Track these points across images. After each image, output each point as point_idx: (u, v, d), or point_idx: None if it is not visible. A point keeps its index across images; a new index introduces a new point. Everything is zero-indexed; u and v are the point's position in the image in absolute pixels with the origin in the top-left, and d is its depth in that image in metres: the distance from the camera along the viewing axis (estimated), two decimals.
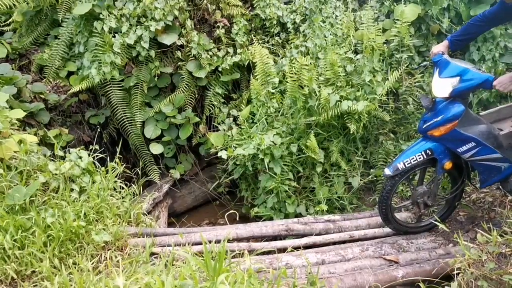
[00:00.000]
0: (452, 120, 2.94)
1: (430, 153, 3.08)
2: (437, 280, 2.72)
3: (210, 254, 1.85)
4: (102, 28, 4.34)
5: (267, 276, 2.16)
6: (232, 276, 1.64)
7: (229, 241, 3.16)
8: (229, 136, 4.58)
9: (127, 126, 4.66)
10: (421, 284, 2.46)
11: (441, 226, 2.78)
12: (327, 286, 2.61)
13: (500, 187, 3.29)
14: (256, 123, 4.53)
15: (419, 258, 3.06)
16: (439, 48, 3.12)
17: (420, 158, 3.07)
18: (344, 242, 3.50)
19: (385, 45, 4.39)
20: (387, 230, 3.53)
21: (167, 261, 2.26)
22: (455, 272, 2.40)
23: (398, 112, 4.44)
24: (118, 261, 2.56)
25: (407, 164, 3.06)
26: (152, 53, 4.51)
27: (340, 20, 4.80)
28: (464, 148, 2.99)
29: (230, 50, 4.86)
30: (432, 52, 3.15)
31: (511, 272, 2.12)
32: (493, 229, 2.42)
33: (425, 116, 3.10)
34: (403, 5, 4.43)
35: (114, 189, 3.41)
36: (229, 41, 4.93)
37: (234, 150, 4.21)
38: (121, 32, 4.39)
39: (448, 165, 3.10)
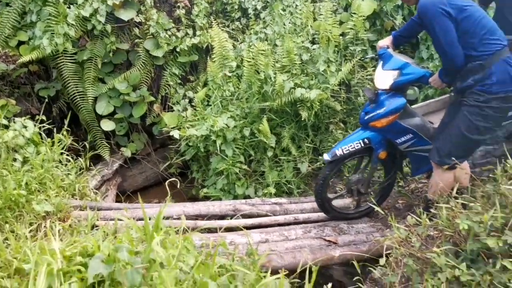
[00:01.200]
0: (394, 112, 3.04)
1: (367, 142, 3.17)
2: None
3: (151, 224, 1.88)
4: None
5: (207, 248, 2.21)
6: (168, 240, 1.68)
7: (175, 219, 3.19)
8: (183, 117, 4.58)
9: (78, 101, 4.57)
10: (354, 262, 2.58)
11: (377, 209, 2.91)
12: (267, 262, 2.69)
13: (428, 176, 3.48)
14: (211, 105, 4.56)
15: (356, 240, 3.20)
16: (384, 42, 3.23)
17: (358, 146, 3.16)
18: (289, 224, 3.60)
19: (341, 37, 4.50)
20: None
21: (105, 231, 2.26)
22: (384, 252, 2.52)
23: (349, 102, 4.57)
24: (58, 231, 2.54)
25: (345, 151, 3.15)
26: (108, 27, 4.43)
27: (300, 9, 4.87)
28: (403, 139, 3.12)
29: (190, 31, 4.85)
30: (378, 45, 3.26)
31: (435, 250, 2.26)
32: (423, 213, 2.56)
33: (367, 107, 3.19)
34: (361, 0, 4.56)
35: (60, 161, 3.35)
36: (189, 23, 4.91)
37: (187, 131, 4.22)
38: (76, 3, 4.28)
39: (383, 154, 3.21)
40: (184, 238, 1.72)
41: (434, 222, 2.53)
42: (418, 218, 2.59)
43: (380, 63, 3.12)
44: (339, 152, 3.15)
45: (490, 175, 2.60)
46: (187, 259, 1.62)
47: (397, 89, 3.05)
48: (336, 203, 3.62)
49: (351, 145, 3.16)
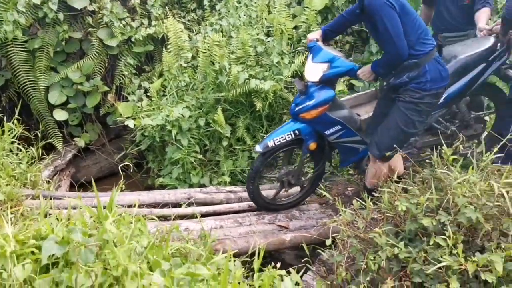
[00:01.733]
0: (323, 104, 3.10)
1: (298, 133, 3.21)
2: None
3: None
4: None
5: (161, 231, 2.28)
6: (122, 222, 1.74)
7: (130, 207, 3.22)
8: (138, 107, 4.57)
9: (30, 90, 4.48)
10: (304, 245, 2.72)
11: (326, 195, 3.06)
12: (220, 246, 2.78)
13: (355, 167, 3.62)
14: (166, 95, 4.58)
15: (307, 225, 3.35)
16: (314, 35, 3.29)
17: (288, 137, 3.19)
18: (244, 211, 3.71)
19: (294, 30, 4.63)
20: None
21: (58, 218, 2.27)
22: (331, 234, 2.68)
23: None
24: (10, 219, 2.52)
25: (277, 142, 3.17)
26: (61, 16, 4.36)
27: (255, 2, 4.96)
28: (331, 130, 3.20)
29: (145, 21, 4.84)
30: (308, 38, 3.32)
31: (377, 231, 2.43)
32: (368, 197, 2.74)
33: (297, 99, 3.23)
34: None
35: (11, 150, 3.29)
36: (144, 13, 4.90)
37: (142, 120, 4.23)
38: None
39: (312, 145, 3.25)
40: (137, 219, 1.78)
41: (378, 206, 2.71)
42: (363, 203, 2.76)
43: (310, 55, 3.17)
44: (270, 143, 3.17)
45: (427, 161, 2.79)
46: (140, 239, 1.68)
47: (326, 81, 3.11)
48: (266, 193, 3.68)
49: (282, 137, 3.18)
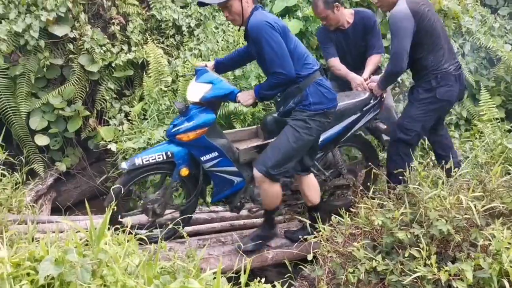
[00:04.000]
0: (202, 126, 3.01)
1: (170, 155, 3.04)
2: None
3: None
4: None
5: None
6: (115, 241, 1.82)
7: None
8: (119, 130, 4.64)
9: (11, 116, 4.51)
10: (286, 262, 2.82)
11: (303, 220, 3.17)
12: (205, 265, 2.87)
13: (228, 202, 3.43)
14: (147, 119, 4.67)
15: (288, 242, 3.45)
16: (204, 63, 3.32)
17: (159, 158, 3.02)
18: (226, 230, 3.79)
19: None
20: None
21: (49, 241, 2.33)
22: (312, 250, 2.79)
23: None
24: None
25: (145, 160, 2.98)
26: (42, 43, 4.43)
27: (232, 28, 5.14)
28: (208, 157, 3.08)
29: (125, 47, 4.94)
30: (197, 64, 3.41)
31: (355, 245, 2.56)
32: (345, 213, 2.87)
33: (175, 120, 3.14)
34: (288, 20, 4.91)
35: None
36: (124, 39, 5.00)
37: (124, 144, 4.31)
38: (8, 18, 4.26)
39: (184, 171, 3.08)
40: (129, 238, 1.87)
41: (355, 221, 2.85)
42: (341, 219, 2.89)
43: (194, 77, 3.13)
44: (138, 161, 2.97)
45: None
46: (132, 258, 1.77)
47: (208, 104, 3.05)
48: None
49: (152, 156, 3.01)
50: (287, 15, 4.97)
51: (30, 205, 3.52)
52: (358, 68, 3.81)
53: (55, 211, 4.56)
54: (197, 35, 5.12)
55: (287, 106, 2.97)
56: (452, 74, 3.24)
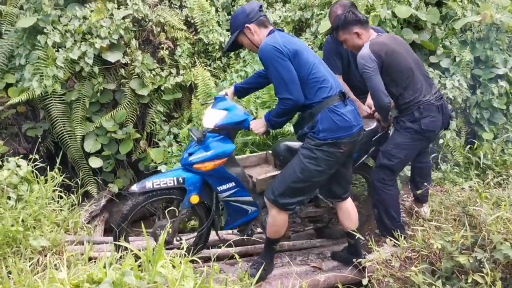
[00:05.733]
0: (221, 157, 2.93)
1: (182, 181, 2.95)
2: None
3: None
4: (46, 42, 4.42)
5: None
6: (170, 264, 1.83)
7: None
8: (169, 152, 4.74)
9: (67, 140, 4.70)
10: (339, 286, 2.75)
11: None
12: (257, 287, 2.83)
13: (241, 230, 3.34)
14: None
15: (340, 265, 3.36)
16: (224, 91, 3.31)
17: (170, 183, 2.93)
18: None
19: None
20: (314, 241, 3.83)
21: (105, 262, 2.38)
22: (367, 273, 2.70)
23: None
24: (56, 265, 2.64)
25: (156, 185, 2.91)
26: (96, 69, 4.62)
27: None
28: (225, 187, 3.00)
29: (173, 70, 5.07)
30: (218, 93, 3.35)
31: (413, 269, 2.46)
32: (400, 235, 2.77)
33: (190, 147, 3.04)
34: None
35: (53, 198, 3.46)
36: (173, 62, 5.14)
37: (173, 165, 4.38)
38: (65, 47, 4.48)
39: (195, 198, 2.98)
40: (184, 261, 1.87)
41: (411, 244, 2.74)
42: (396, 242, 2.79)
43: (211, 104, 3.11)
44: (149, 184, 2.92)
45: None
46: (187, 281, 1.76)
47: (224, 131, 2.99)
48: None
49: (163, 180, 2.93)
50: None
51: (85, 226, 3.62)
52: (364, 92, 3.67)
53: (107, 231, 4.69)
54: (243, 57, 5.19)
55: (302, 131, 2.87)
56: (434, 105, 3.24)
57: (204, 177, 2.99)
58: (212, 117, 2.97)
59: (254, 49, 2.93)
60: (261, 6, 2.90)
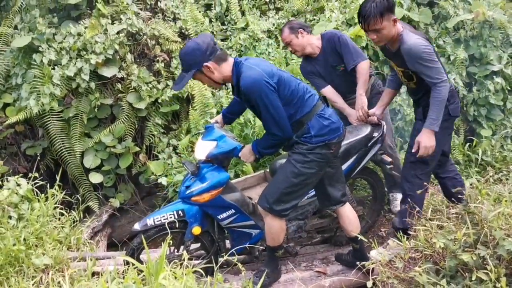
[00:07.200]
0: (217, 187, 2.97)
1: (182, 214, 3.00)
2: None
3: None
4: (42, 60, 4.44)
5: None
6: (172, 275, 1.82)
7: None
8: (169, 164, 4.73)
9: (66, 157, 4.71)
10: None
11: (361, 237, 3.06)
12: None
13: (248, 253, 3.36)
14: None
15: (344, 269, 3.35)
16: (214, 119, 3.36)
17: (171, 217, 2.98)
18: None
19: None
20: (318, 247, 3.82)
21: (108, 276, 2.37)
22: (371, 276, 2.69)
23: None
24: (59, 282, 2.63)
25: (157, 221, 2.95)
26: (92, 85, 4.63)
27: (273, 56, 5.20)
28: (224, 215, 3.06)
29: (170, 82, 5.08)
30: (209, 121, 3.34)
31: (417, 270, 2.45)
32: (402, 236, 2.76)
33: (186, 181, 3.08)
34: None
35: (54, 215, 3.46)
36: (169, 74, 5.15)
37: (174, 177, 4.38)
38: (60, 64, 4.50)
39: (196, 230, 3.03)
40: (186, 272, 1.87)
41: (414, 244, 2.73)
42: (399, 242, 2.79)
43: (202, 135, 3.14)
44: (150, 222, 2.96)
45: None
46: None
47: (216, 161, 3.03)
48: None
49: (164, 216, 2.97)
50: None
51: (88, 242, 3.61)
52: (352, 92, 3.72)
53: (110, 246, 4.68)
54: None
55: (290, 140, 2.87)
56: (454, 90, 3.20)
57: (203, 208, 3.04)
58: (202, 148, 3.02)
59: (214, 86, 2.88)
60: (213, 38, 2.78)
